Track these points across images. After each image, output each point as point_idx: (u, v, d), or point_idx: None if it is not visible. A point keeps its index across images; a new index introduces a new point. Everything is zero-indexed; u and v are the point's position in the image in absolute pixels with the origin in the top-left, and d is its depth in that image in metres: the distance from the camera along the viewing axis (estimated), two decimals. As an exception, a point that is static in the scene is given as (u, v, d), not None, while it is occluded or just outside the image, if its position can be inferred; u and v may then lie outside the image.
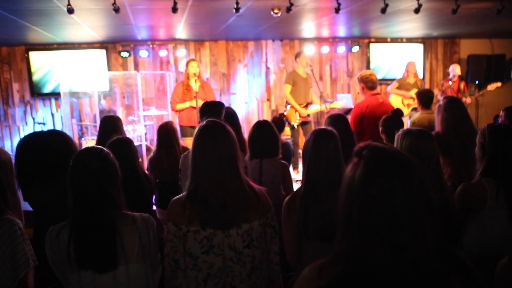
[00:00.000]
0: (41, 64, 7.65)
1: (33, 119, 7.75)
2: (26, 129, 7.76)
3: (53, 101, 7.86)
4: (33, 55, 7.59)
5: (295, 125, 6.23)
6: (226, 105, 3.65)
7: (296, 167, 6.20)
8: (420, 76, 8.89)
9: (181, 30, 6.81)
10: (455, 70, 7.25)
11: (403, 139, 2.23)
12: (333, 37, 8.44)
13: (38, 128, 7.45)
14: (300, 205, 2.07)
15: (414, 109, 6.79)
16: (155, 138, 6.99)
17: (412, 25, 7.06)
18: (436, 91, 6.51)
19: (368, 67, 8.76)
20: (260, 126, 3.28)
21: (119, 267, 1.70)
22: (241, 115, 8.33)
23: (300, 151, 5.63)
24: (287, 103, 6.31)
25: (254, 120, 7.60)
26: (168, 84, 7.60)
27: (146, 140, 6.67)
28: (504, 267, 1.37)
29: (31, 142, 2.39)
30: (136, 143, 5.94)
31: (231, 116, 3.63)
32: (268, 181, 3.09)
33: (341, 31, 7.80)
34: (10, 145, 7.62)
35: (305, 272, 1.09)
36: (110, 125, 3.86)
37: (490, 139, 2.21)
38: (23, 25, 5.60)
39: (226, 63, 8.36)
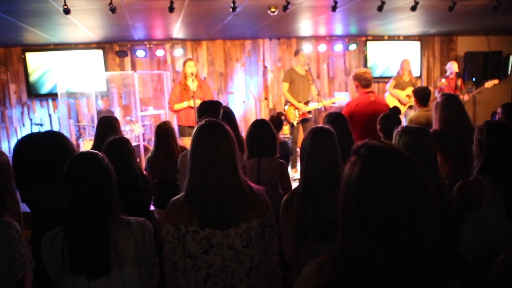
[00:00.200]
0: (38, 65, 7.63)
1: (30, 120, 7.73)
2: (24, 131, 7.74)
3: (50, 102, 7.85)
4: (30, 56, 7.57)
5: (295, 123, 6.24)
6: (224, 104, 3.65)
7: (295, 166, 6.20)
8: (418, 73, 8.94)
9: (178, 29, 6.80)
10: (452, 67, 7.26)
11: (400, 136, 2.24)
12: (330, 35, 8.44)
13: (36, 129, 7.44)
14: (298, 204, 2.07)
15: (410, 107, 6.81)
16: (153, 138, 7.01)
17: (409, 22, 7.06)
18: (431, 89, 6.51)
19: (365, 65, 8.77)
20: (258, 125, 3.28)
21: (114, 273, 1.68)
22: (238, 114, 8.34)
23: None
24: (287, 101, 6.31)
25: (252, 119, 7.58)
26: (165, 84, 7.59)
27: (143, 140, 6.66)
28: (500, 264, 1.37)
29: (28, 143, 2.39)
30: (133, 143, 5.96)
31: (228, 115, 3.63)
32: (266, 180, 3.09)
33: (338, 29, 7.80)
34: (8, 147, 7.60)
35: (306, 270, 1.09)
36: (107, 126, 3.85)
37: (487, 136, 2.22)
38: (19, 26, 5.58)
39: (224, 62, 8.36)
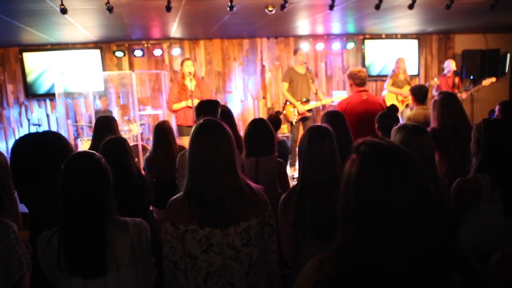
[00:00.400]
0: (35, 65, 7.61)
1: (28, 120, 7.71)
2: (21, 131, 7.72)
3: (48, 102, 7.83)
4: (27, 56, 7.55)
5: (294, 122, 6.26)
6: (222, 103, 3.65)
7: (293, 165, 6.20)
8: (416, 72, 8.95)
9: (175, 29, 6.79)
10: (450, 65, 7.27)
11: (397, 134, 2.24)
12: (328, 34, 8.45)
13: (34, 130, 7.43)
14: (296, 202, 2.07)
15: (406, 106, 6.83)
16: (151, 138, 7.00)
17: (406, 21, 7.07)
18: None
19: (363, 64, 8.78)
20: (256, 124, 3.28)
21: (110, 273, 1.68)
22: (236, 113, 8.33)
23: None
24: (287, 100, 6.33)
25: (250, 118, 7.59)
26: (163, 83, 7.58)
27: (142, 139, 6.65)
28: (496, 261, 1.38)
29: (26, 144, 2.39)
30: (131, 143, 5.96)
31: (226, 114, 3.63)
32: (264, 179, 3.09)
33: (336, 28, 7.80)
34: (5, 147, 7.58)
35: (306, 267, 1.09)
36: (105, 126, 3.84)
37: (485, 134, 2.22)
38: (16, 26, 5.57)
39: (221, 62, 8.35)
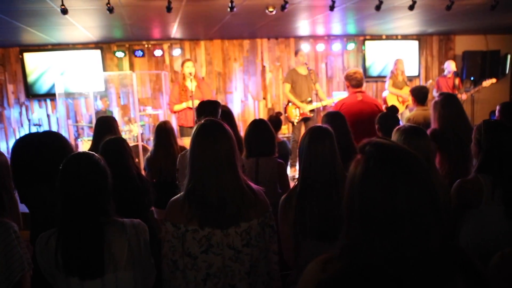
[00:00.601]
0: (35, 65, 7.61)
1: (29, 120, 7.72)
2: (22, 131, 7.72)
3: (48, 102, 7.83)
4: (28, 56, 7.55)
5: (295, 122, 6.29)
6: (222, 104, 3.65)
7: (294, 165, 6.20)
8: (416, 73, 8.96)
9: (176, 29, 6.80)
10: (450, 66, 7.27)
11: (394, 135, 2.25)
12: (328, 35, 8.45)
13: (34, 130, 7.43)
14: (296, 203, 2.07)
15: (406, 106, 6.84)
16: (151, 138, 7.01)
17: (406, 22, 7.07)
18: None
19: (363, 65, 8.79)
20: (257, 125, 3.28)
21: (107, 275, 1.67)
22: (237, 114, 8.34)
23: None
24: (289, 100, 6.39)
25: (250, 118, 7.60)
26: (163, 83, 7.59)
27: (142, 140, 6.65)
28: (496, 263, 1.37)
29: (26, 144, 2.38)
30: (132, 143, 5.96)
31: (227, 114, 3.62)
32: (265, 180, 3.09)
33: (336, 29, 7.81)
34: (6, 147, 7.59)
35: (309, 267, 1.09)
36: (105, 126, 3.84)
37: (485, 135, 2.23)
38: (17, 26, 5.57)
39: (222, 62, 8.35)
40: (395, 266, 0.94)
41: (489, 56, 8.75)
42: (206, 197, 1.71)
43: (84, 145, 6.41)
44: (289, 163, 6.11)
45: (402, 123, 3.56)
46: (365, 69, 8.76)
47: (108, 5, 4.26)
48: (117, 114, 7.85)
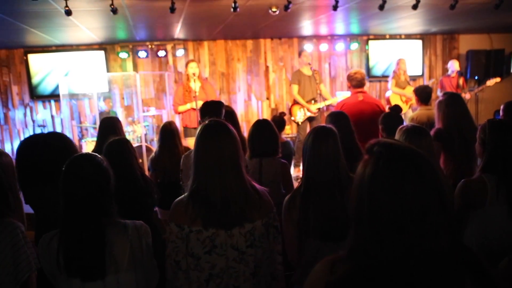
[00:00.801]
0: (40, 66, 7.64)
1: (33, 121, 7.75)
2: (26, 132, 7.76)
3: (53, 103, 7.87)
4: (32, 58, 7.59)
5: (300, 122, 6.31)
6: (226, 104, 3.65)
7: (298, 165, 6.20)
8: (420, 72, 8.93)
9: (179, 30, 6.81)
10: (454, 65, 7.25)
11: (397, 135, 2.25)
12: (332, 34, 8.44)
13: (39, 131, 7.46)
14: (300, 203, 2.07)
15: (410, 106, 6.83)
16: (154, 139, 7.03)
17: (410, 21, 7.05)
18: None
19: (367, 64, 8.77)
20: (260, 125, 3.28)
21: (109, 276, 1.67)
22: (240, 114, 8.34)
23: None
24: (294, 100, 6.44)
25: (254, 119, 7.59)
26: (167, 84, 7.60)
27: (145, 141, 6.66)
28: (504, 268, 1.37)
29: (31, 144, 2.40)
30: (135, 144, 5.97)
31: (230, 115, 3.63)
32: (268, 180, 3.09)
33: (340, 29, 7.80)
34: (11, 148, 7.63)
35: (316, 268, 1.09)
36: (109, 127, 3.86)
37: (490, 134, 2.22)
38: (21, 27, 5.60)
39: (225, 63, 8.36)
40: (405, 266, 0.94)
41: (494, 55, 8.70)
42: (210, 198, 1.71)
43: (88, 146, 6.43)
44: (293, 163, 6.11)
45: (406, 123, 3.55)
46: (368, 69, 8.75)
47: (112, 6, 4.28)
48: (120, 114, 7.88)
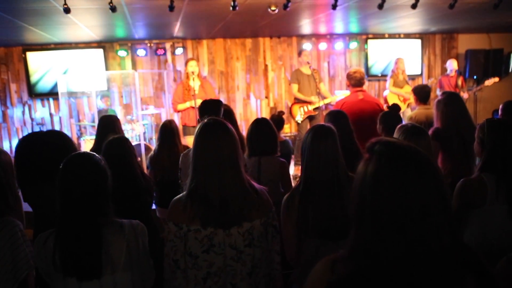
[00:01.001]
0: (38, 64, 7.62)
1: (32, 119, 7.74)
2: (25, 130, 7.74)
3: (51, 101, 7.85)
4: (31, 56, 7.57)
5: (299, 121, 6.32)
6: (225, 103, 3.65)
7: (299, 164, 6.21)
8: (419, 71, 8.94)
9: (178, 28, 6.79)
10: (452, 65, 7.26)
11: (395, 134, 2.25)
12: (331, 33, 8.43)
13: (37, 129, 7.46)
14: (299, 202, 2.07)
15: (408, 105, 6.84)
16: (153, 137, 7.02)
17: (409, 20, 7.05)
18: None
19: (366, 63, 8.77)
20: (259, 124, 3.28)
21: (105, 276, 1.66)
22: (239, 113, 8.34)
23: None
24: (295, 98, 6.45)
25: (253, 117, 7.59)
26: (166, 82, 7.59)
27: (144, 139, 6.66)
28: (502, 267, 1.37)
29: (30, 143, 2.40)
30: (134, 143, 5.97)
31: (228, 113, 3.62)
32: (267, 179, 3.09)
33: (339, 28, 7.79)
34: (9, 146, 7.61)
35: (317, 268, 1.09)
36: (108, 125, 3.86)
37: (488, 134, 2.22)
38: (20, 25, 5.58)
39: (224, 61, 8.35)
40: (406, 266, 0.94)
41: (492, 54, 8.71)
42: (209, 197, 1.70)
43: (86, 144, 6.42)
44: (293, 162, 6.13)
45: (404, 122, 3.56)
46: (367, 68, 8.75)
47: (111, 4, 4.26)
48: (119, 113, 7.87)
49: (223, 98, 8.10)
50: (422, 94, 4.25)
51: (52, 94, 7.62)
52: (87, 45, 7.76)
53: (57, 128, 7.76)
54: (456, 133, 3.07)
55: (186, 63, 5.64)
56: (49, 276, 1.69)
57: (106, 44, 7.83)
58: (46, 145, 2.32)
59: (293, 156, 5.78)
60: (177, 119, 6.93)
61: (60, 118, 7.86)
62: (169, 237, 1.77)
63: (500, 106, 3.74)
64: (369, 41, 8.76)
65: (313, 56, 8.52)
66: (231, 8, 4.62)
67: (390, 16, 6.47)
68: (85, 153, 1.81)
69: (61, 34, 6.63)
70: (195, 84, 5.43)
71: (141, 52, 7.76)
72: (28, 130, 7.68)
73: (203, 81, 5.85)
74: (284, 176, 3.28)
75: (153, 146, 5.46)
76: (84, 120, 7.75)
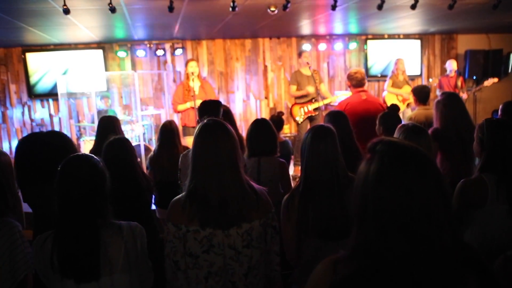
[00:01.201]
0: (38, 65, 7.62)
1: (32, 120, 7.73)
2: (24, 131, 7.74)
3: (51, 102, 7.85)
4: (30, 56, 7.57)
5: (299, 121, 6.32)
6: (224, 103, 3.65)
7: (299, 164, 6.21)
8: (418, 72, 8.94)
9: (177, 29, 6.80)
10: (451, 65, 7.26)
11: (396, 133, 2.25)
12: (330, 34, 8.44)
13: (37, 130, 7.45)
14: (299, 202, 2.07)
15: (407, 105, 6.84)
16: (153, 138, 7.02)
17: (409, 21, 7.06)
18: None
19: (365, 64, 8.78)
20: (258, 125, 3.28)
21: (103, 278, 1.65)
22: (239, 113, 8.34)
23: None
24: (295, 100, 6.46)
25: (252, 118, 7.58)
26: (165, 83, 7.59)
27: (144, 140, 6.66)
28: (500, 266, 1.37)
29: (30, 143, 2.40)
30: (134, 143, 5.97)
31: (226, 113, 3.62)
32: (267, 179, 3.09)
33: (338, 28, 7.80)
34: (9, 147, 7.61)
35: (318, 268, 1.09)
36: (108, 126, 3.86)
37: (488, 134, 2.22)
38: (19, 26, 5.58)
39: (224, 62, 8.35)
40: (408, 265, 0.94)
41: (492, 55, 8.72)
42: (208, 197, 1.70)
43: (86, 145, 6.42)
44: (293, 162, 6.13)
45: (403, 122, 3.56)
46: (367, 69, 8.75)
47: (110, 5, 4.27)
48: (119, 114, 7.86)
49: (222, 99, 8.11)
50: (421, 94, 4.25)
51: (52, 95, 7.62)
52: (87, 46, 7.76)
53: (56, 128, 7.76)
54: (456, 134, 3.07)
55: (186, 64, 5.65)
56: (47, 277, 1.69)
57: (105, 45, 7.83)
58: (46, 146, 2.32)
59: (292, 156, 5.78)
60: (177, 119, 6.93)
61: (59, 118, 7.86)
62: (168, 238, 1.77)
63: (500, 107, 3.74)
64: (369, 41, 8.77)
65: (312, 57, 8.52)
66: (230, 9, 4.62)
67: (389, 16, 6.47)
68: (83, 155, 1.80)
69: (60, 35, 6.63)
70: (195, 84, 5.43)
71: (140, 52, 7.76)
72: (27, 131, 7.67)
73: (203, 81, 5.85)
74: (283, 177, 3.28)
75: (153, 146, 5.47)
76: (84, 120, 7.74)
